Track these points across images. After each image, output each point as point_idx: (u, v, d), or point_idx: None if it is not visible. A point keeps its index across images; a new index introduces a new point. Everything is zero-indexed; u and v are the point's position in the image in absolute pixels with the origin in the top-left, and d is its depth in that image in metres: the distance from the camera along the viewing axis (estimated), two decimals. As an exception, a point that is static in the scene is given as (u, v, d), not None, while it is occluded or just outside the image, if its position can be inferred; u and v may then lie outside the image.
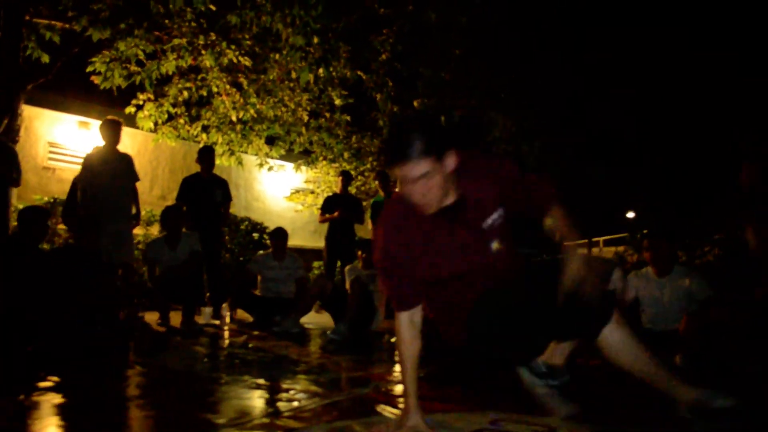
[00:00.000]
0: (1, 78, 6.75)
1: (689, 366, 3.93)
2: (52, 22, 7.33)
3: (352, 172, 10.48)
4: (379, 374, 3.70)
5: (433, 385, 3.45)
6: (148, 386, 3.05)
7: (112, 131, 5.80)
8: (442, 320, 2.38)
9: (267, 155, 10.52)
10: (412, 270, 2.20)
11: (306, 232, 13.15)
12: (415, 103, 9.81)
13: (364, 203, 10.05)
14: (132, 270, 5.91)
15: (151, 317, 5.73)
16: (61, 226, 7.68)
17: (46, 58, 7.37)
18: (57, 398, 2.65)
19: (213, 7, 7.66)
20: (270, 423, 2.29)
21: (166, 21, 7.71)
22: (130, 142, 7.12)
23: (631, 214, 16.80)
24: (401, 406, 2.66)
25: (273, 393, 2.85)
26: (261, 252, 6.60)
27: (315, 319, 6.76)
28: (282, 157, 11.04)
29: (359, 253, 6.12)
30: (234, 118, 9.17)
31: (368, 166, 12.22)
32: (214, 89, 8.67)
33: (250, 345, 4.66)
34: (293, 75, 8.93)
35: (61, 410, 2.49)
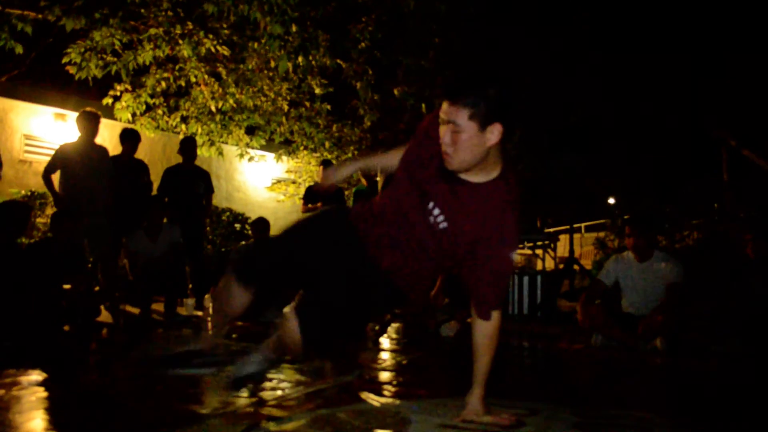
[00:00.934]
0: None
1: (670, 349, 4.00)
2: (25, 12, 7.19)
3: (334, 161, 10.45)
4: (364, 361, 3.71)
5: (416, 371, 3.47)
6: (131, 379, 3.03)
7: (89, 123, 5.69)
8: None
9: (247, 145, 10.45)
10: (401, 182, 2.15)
11: (288, 222, 13.08)
12: (396, 92, 9.79)
13: (346, 192, 10.03)
14: (112, 263, 5.85)
15: (133, 310, 5.69)
16: (40, 220, 7.58)
17: (19, 49, 7.23)
18: (38, 393, 2.62)
19: (189, -4, 7.60)
20: (254, 412, 2.29)
21: (142, 10, 7.60)
22: (108, 133, 7.04)
23: (611, 200, 16.94)
24: (386, 392, 2.67)
25: (256, 383, 2.84)
26: (243, 243, 6.57)
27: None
28: (262, 147, 10.97)
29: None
30: (213, 109, 9.09)
31: (349, 155, 12.17)
32: (193, 79, 8.59)
33: (234, 336, 4.64)
34: (272, 64, 8.87)
35: (43, 405, 2.46)
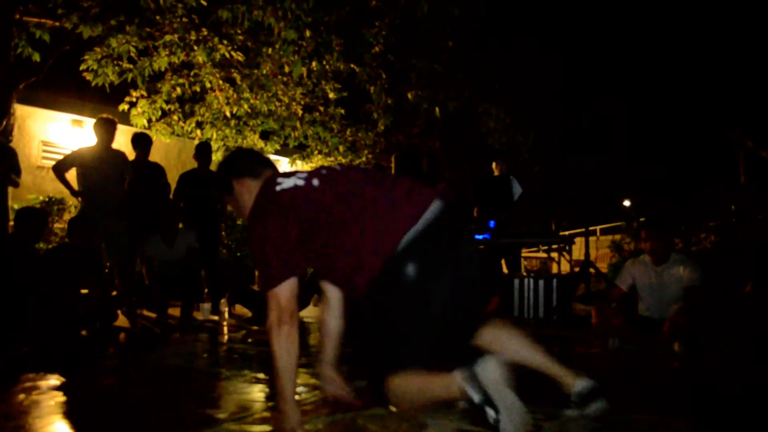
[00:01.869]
0: (-2, 78, 6.72)
1: (688, 352, 3.96)
2: (42, 20, 7.26)
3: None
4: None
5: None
6: (148, 383, 3.06)
7: (106, 130, 5.76)
8: None
9: (262, 150, 10.49)
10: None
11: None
12: (409, 95, 9.79)
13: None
14: (129, 268, 5.90)
15: (150, 314, 5.72)
16: (58, 225, 7.66)
17: (37, 57, 7.31)
18: (57, 397, 2.65)
19: (204, 2, 7.62)
20: (270, 417, 2.30)
21: (157, 17, 7.65)
22: (124, 139, 7.09)
23: (627, 203, 16.82)
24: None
25: (273, 387, 2.85)
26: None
27: (313, 313, 6.76)
28: (277, 152, 11.01)
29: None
30: (228, 114, 9.13)
31: (363, 159, 12.20)
32: (207, 85, 8.63)
33: (249, 340, 4.66)
34: (286, 69, 8.89)
35: (62, 409, 2.49)
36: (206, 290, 6.45)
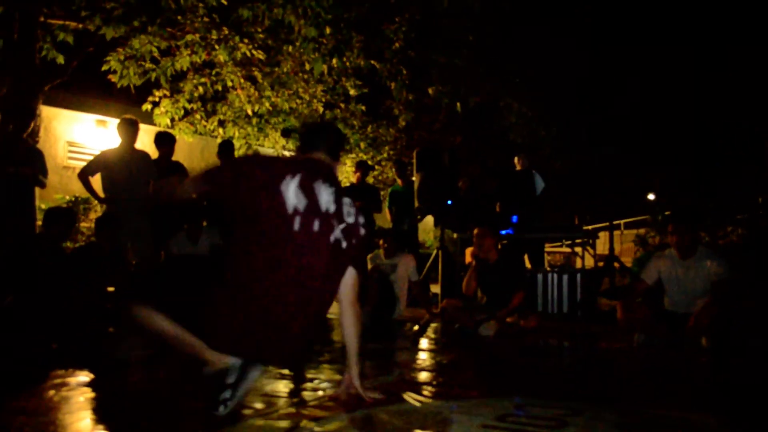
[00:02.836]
0: (22, 81, 6.83)
1: (715, 347, 3.91)
2: (66, 23, 7.37)
3: (369, 162, 10.48)
4: (404, 362, 3.71)
5: (456, 371, 3.46)
6: (175, 379, 3.09)
7: (129, 130, 5.83)
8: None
9: (284, 147, 10.54)
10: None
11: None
12: (430, 91, 9.77)
13: (382, 192, 10.05)
14: (153, 265, 5.96)
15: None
16: (84, 224, 7.76)
17: (61, 59, 7.42)
18: (86, 394, 2.69)
19: (225, 2, 7.67)
20: (296, 413, 2.31)
21: (179, 17, 7.71)
22: (148, 139, 7.16)
23: (651, 196, 16.61)
24: (425, 393, 2.67)
25: (298, 383, 2.87)
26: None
27: (336, 309, 6.79)
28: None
29: (380, 242, 6.10)
30: (250, 112, 9.18)
31: (384, 155, 12.20)
32: (229, 84, 8.68)
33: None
34: (307, 66, 8.92)
35: (91, 405, 2.53)
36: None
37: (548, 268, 7.11)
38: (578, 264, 8.32)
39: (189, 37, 7.83)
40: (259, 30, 8.38)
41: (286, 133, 10.50)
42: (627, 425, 2.17)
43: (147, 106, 8.52)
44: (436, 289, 7.14)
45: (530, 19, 11.20)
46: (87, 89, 9.64)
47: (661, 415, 2.36)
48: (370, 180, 8.37)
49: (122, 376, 3.18)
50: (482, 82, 10.30)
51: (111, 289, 5.05)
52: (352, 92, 9.93)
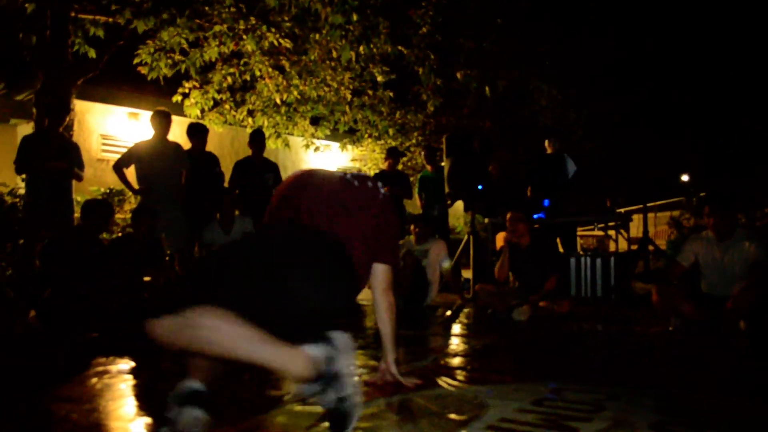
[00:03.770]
0: (56, 76, 6.97)
1: (754, 331, 3.85)
2: (96, 17, 7.47)
3: (399, 148, 10.46)
4: (437, 347, 3.72)
5: (490, 356, 3.46)
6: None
7: (161, 123, 5.92)
8: None
9: (313, 136, 10.57)
10: None
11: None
12: (458, 75, 9.69)
13: (411, 178, 10.03)
14: (188, 255, 6.05)
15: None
16: (119, 216, 7.89)
17: (92, 53, 7.54)
18: (128, 381, 2.75)
19: (251, -9, 7.71)
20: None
21: (206, 8, 7.77)
22: (179, 130, 7.25)
23: (685, 177, 16.32)
24: (460, 378, 2.68)
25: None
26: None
27: (368, 295, 6.82)
28: (327, 137, 11.07)
29: (412, 227, 6.10)
30: (278, 101, 9.22)
31: (413, 141, 12.16)
32: (257, 73, 8.72)
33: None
34: (334, 54, 8.91)
35: (133, 392, 2.59)
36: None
37: (581, 252, 7.05)
38: (611, 247, 8.22)
39: (217, 27, 7.88)
40: (286, 19, 8.38)
41: (314, 121, 10.54)
42: (665, 409, 2.15)
43: (177, 98, 8.60)
44: (467, 274, 7.13)
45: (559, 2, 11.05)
46: (118, 82, 9.78)
47: (699, 399, 2.34)
48: (398, 166, 8.37)
49: (161, 363, 3.24)
50: (511, 66, 10.16)
51: (147, 278, 5.14)
52: (379, 78, 9.89)
